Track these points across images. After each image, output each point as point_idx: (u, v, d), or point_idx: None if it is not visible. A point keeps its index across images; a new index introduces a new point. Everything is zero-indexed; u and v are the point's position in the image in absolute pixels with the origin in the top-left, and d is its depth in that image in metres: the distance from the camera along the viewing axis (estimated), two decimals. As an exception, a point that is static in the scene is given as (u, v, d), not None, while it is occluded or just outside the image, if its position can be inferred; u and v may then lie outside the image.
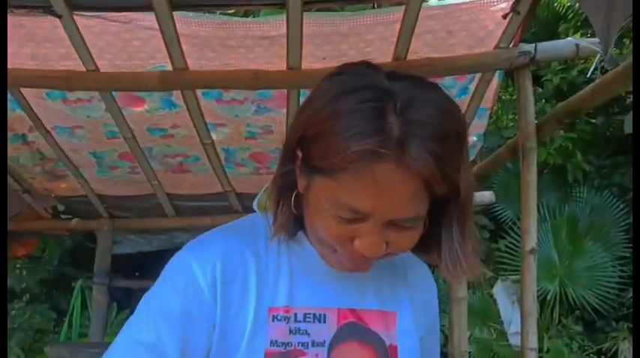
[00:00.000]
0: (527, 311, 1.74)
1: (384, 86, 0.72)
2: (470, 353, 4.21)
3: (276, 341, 0.81)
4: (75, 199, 2.47)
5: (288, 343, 0.82)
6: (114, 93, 1.75)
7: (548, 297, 4.60)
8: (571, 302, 4.66)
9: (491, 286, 4.82)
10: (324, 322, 0.85)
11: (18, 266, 4.86)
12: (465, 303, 2.44)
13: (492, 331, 4.67)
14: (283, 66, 1.65)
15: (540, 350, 4.39)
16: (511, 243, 4.77)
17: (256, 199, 0.89)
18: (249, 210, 0.90)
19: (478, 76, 1.79)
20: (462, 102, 1.87)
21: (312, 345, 0.83)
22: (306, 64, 1.65)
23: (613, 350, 4.54)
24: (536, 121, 1.74)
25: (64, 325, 3.02)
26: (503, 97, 5.72)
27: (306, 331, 0.83)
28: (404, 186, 0.69)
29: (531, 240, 1.73)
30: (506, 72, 1.84)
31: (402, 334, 0.89)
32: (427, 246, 0.82)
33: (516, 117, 4.02)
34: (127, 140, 1.99)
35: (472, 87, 1.84)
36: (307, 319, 0.84)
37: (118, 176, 2.28)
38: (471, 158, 2.27)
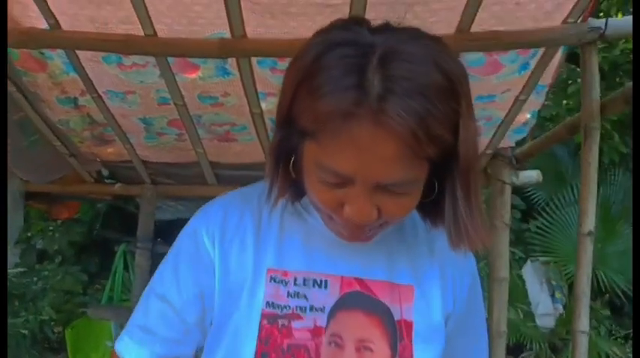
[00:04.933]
0: (580, 294, 1.72)
1: (366, 40, 0.68)
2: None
3: (272, 303, 0.80)
4: (119, 165, 2.48)
5: (285, 306, 0.80)
6: (169, 59, 1.73)
7: (579, 280, 4.54)
8: (601, 286, 4.62)
9: (521, 267, 4.79)
10: (325, 288, 0.81)
11: (51, 228, 4.94)
12: (506, 284, 2.41)
13: (520, 312, 4.66)
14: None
15: (567, 332, 4.38)
16: (543, 223, 4.73)
17: None
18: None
19: (541, 51, 1.73)
20: (522, 78, 1.82)
21: (310, 310, 0.80)
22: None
23: (641, 335, 4.51)
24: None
25: (106, 287, 3.07)
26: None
27: (305, 295, 0.81)
28: (384, 148, 0.64)
29: (590, 223, 1.69)
30: (570, 49, 1.78)
31: (419, 310, 0.84)
32: (434, 212, 0.77)
33: (552, 97, 3.95)
34: (178, 107, 1.97)
35: (533, 62, 1.78)
36: (306, 283, 0.81)
37: (165, 143, 2.27)
38: (522, 136, 2.23)
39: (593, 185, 1.69)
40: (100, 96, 1.94)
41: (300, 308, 0.80)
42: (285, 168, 0.77)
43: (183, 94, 1.92)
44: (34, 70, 1.84)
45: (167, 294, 0.86)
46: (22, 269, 4.47)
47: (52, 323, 4.73)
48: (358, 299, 0.82)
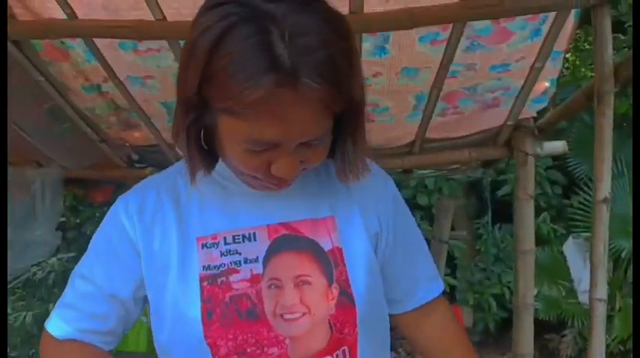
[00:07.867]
0: (596, 263, 1.69)
1: (266, 12, 0.70)
2: (537, 309, 4.14)
3: (208, 265, 0.87)
4: (148, 149, 2.58)
5: (220, 265, 0.87)
6: (181, 42, 1.78)
7: (623, 255, 4.40)
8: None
9: (562, 243, 4.67)
10: (255, 240, 0.88)
11: (97, 215, 5.15)
12: (531, 256, 2.38)
13: (561, 289, 4.56)
14: (346, 9, 1.62)
15: (612, 309, 4.26)
16: (585, 199, 4.59)
17: None
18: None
19: (551, 16, 1.70)
20: (535, 45, 1.79)
21: (245, 262, 0.87)
22: (368, 8, 1.62)
23: (692, 311, 4.33)
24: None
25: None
26: (582, 48, 5.39)
27: (237, 251, 0.88)
28: (305, 112, 0.73)
29: (604, 189, 1.66)
30: (583, 12, 1.73)
31: (345, 235, 0.92)
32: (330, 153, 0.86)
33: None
34: (195, 89, 2.03)
35: (545, 28, 1.74)
36: (237, 240, 0.88)
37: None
38: (543, 105, 2.18)
39: (608, 150, 1.65)
40: (121, 83, 2.02)
41: (235, 263, 0.87)
42: (198, 142, 0.82)
43: (198, 77, 1.98)
44: (58, 59, 1.94)
45: (90, 275, 0.94)
46: (72, 254, 4.68)
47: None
48: (287, 242, 0.89)
